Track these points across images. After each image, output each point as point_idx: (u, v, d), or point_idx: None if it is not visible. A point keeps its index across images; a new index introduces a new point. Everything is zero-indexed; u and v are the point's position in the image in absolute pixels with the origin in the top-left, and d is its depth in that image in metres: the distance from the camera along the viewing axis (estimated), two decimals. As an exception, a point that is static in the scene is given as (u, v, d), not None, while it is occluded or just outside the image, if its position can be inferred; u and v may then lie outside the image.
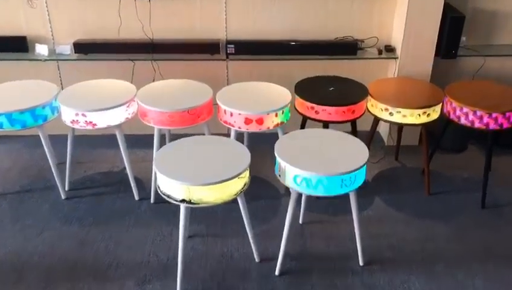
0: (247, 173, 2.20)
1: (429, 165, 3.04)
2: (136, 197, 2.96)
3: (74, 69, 3.41)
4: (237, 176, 2.08)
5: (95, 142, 3.54)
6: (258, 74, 3.46)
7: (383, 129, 3.70)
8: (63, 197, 2.96)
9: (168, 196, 2.12)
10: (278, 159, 2.20)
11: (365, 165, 2.20)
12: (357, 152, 2.25)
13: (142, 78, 3.33)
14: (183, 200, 2.08)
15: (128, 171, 2.91)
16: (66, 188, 3.03)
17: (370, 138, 3.05)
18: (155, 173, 2.86)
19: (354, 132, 3.03)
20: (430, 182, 3.04)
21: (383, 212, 2.89)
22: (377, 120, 2.97)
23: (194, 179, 2.04)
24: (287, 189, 3.05)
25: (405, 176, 3.25)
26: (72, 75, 3.40)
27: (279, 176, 2.25)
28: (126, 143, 2.84)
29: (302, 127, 3.09)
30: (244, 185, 2.20)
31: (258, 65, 3.45)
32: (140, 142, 3.48)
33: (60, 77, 3.45)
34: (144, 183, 3.11)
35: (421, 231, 2.73)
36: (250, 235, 2.45)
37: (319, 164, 2.15)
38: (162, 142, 2.92)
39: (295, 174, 2.14)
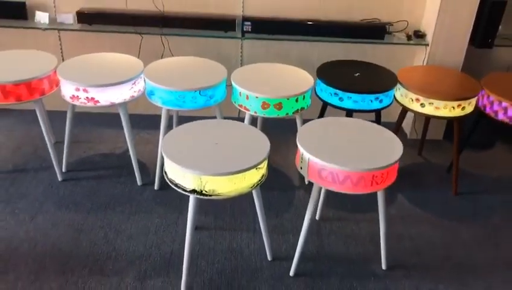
0: (265, 164, 1.96)
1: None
2: (139, 183, 2.72)
3: (76, 40, 3.15)
4: (256, 166, 1.84)
5: (97, 120, 3.30)
6: (275, 55, 3.20)
7: (405, 121, 3.44)
8: (59, 179, 2.72)
9: (177, 185, 1.88)
10: (301, 150, 1.96)
11: (398, 161, 1.96)
12: (388, 145, 2.01)
13: (149, 54, 3.09)
14: (193, 191, 1.84)
15: (131, 153, 2.66)
16: (63, 169, 2.79)
17: (396, 130, 2.80)
18: (161, 158, 2.62)
19: (378, 123, 2.78)
20: (458, 181, 2.80)
21: (406, 211, 2.65)
22: (404, 111, 2.72)
23: (208, 168, 1.80)
24: (302, 180, 2.82)
25: (429, 173, 3.00)
26: (74, 46, 3.15)
27: (301, 168, 2.01)
28: (130, 123, 2.60)
29: (321, 114, 2.84)
30: (262, 176, 1.96)
31: (275, 45, 3.19)
32: (145, 122, 3.25)
33: (61, 48, 3.19)
34: (147, 168, 2.87)
35: (449, 233, 2.50)
36: (263, 231, 2.22)
37: (348, 158, 1.91)
38: (169, 125, 2.68)
39: (320, 168, 1.90)
